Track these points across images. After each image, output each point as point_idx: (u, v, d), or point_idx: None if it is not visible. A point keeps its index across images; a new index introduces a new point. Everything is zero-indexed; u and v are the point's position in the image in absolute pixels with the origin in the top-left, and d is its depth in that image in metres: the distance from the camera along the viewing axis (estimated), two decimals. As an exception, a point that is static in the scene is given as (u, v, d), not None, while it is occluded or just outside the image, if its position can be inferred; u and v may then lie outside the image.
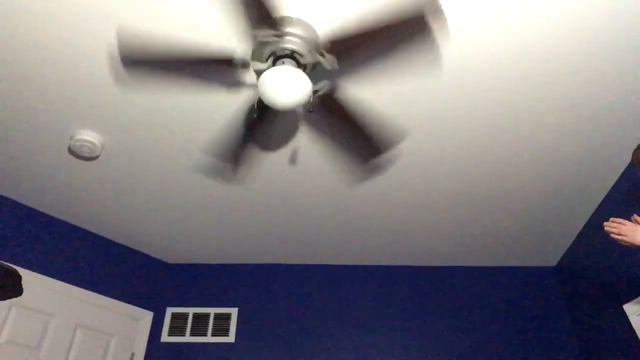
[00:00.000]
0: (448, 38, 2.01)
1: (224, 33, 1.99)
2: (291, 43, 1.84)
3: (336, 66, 1.88)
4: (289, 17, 1.86)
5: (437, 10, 1.82)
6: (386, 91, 2.28)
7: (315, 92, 2.04)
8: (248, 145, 2.31)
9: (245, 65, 1.91)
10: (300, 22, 1.86)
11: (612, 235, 1.82)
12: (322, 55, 1.86)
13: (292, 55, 1.86)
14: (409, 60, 2.11)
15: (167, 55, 1.83)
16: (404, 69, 2.16)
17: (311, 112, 1.98)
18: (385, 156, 2.70)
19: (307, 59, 1.88)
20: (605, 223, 1.84)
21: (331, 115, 2.13)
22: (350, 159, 2.71)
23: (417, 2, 1.62)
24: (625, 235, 1.78)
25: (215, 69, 1.91)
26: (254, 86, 2.25)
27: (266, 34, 1.78)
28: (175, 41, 2.01)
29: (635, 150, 1.93)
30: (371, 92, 2.28)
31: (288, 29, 1.83)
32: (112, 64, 2.16)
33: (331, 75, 2.16)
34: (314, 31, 1.89)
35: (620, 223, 1.81)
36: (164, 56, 1.83)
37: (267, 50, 1.88)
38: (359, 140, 2.25)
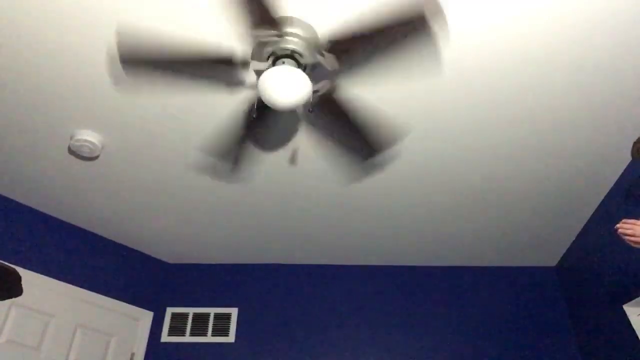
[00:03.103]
0: (448, 39, 2.01)
1: (224, 32, 1.99)
2: (291, 43, 1.84)
3: (336, 66, 1.88)
4: (289, 17, 1.86)
5: (437, 11, 1.81)
6: (386, 91, 2.28)
7: (315, 92, 2.04)
8: (246, 145, 2.31)
9: (245, 64, 1.91)
10: (300, 22, 1.86)
11: (626, 237, 1.68)
12: (322, 55, 1.86)
13: (292, 55, 1.86)
14: (410, 60, 2.11)
15: (167, 55, 1.83)
16: (404, 70, 2.16)
17: (311, 111, 1.98)
18: (381, 156, 2.70)
19: (307, 59, 1.88)
20: (618, 225, 1.70)
21: (330, 115, 2.12)
22: (348, 158, 2.71)
23: (416, 2, 1.62)
24: None
25: (215, 68, 1.90)
26: (254, 86, 2.25)
27: (266, 34, 1.78)
28: (175, 41, 2.01)
29: (635, 142, 1.93)
30: (371, 93, 2.28)
31: (288, 29, 1.83)
32: (111, 66, 2.16)
33: (331, 75, 2.16)
34: (314, 31, 1.89)
35: (633, 224, 1.67)
36: (163, 56, 1.83)
37: (267, 50, 1.88)
38: (357, 140, 2.25)
